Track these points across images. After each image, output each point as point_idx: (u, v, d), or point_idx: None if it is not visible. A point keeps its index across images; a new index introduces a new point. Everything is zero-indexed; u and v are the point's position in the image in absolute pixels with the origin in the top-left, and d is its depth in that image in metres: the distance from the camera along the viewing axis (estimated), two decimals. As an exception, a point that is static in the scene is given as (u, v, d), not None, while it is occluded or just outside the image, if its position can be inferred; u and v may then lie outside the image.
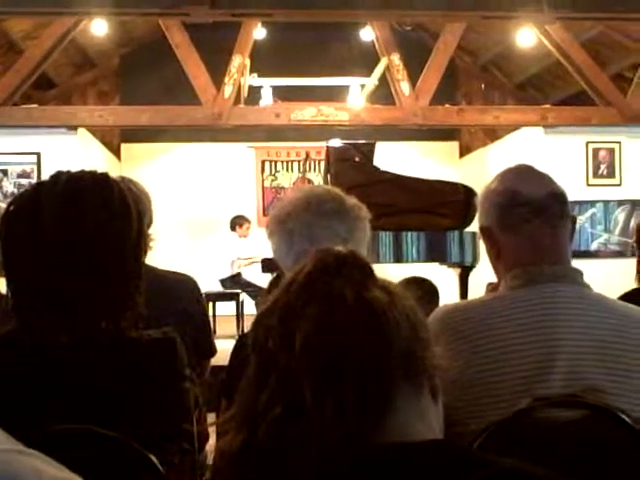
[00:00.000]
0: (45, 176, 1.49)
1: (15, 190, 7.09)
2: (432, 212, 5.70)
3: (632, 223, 7.45)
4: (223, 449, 0.92)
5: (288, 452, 0.86)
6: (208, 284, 7.00)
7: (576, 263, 1.60)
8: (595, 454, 1.37)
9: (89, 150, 7.93)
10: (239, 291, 8.08)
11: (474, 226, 5.17)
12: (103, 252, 1.40)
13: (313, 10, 6.30)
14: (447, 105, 8.06)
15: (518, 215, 1.60)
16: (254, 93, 8.02)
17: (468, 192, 5.64)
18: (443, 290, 4.32)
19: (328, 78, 8.25)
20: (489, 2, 6.25)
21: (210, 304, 7.32)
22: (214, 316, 7.49)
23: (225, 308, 7.95)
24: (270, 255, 1.84)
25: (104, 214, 1.42)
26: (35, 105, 7.99)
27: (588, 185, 7.74)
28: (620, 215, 7.77)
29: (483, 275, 3.22)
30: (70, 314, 1.38)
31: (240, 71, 7.43)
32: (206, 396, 2.39)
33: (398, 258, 5.48)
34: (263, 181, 10.17)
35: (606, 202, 7.75)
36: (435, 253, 5.58)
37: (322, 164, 7.65)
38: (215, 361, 2.62)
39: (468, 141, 10.33)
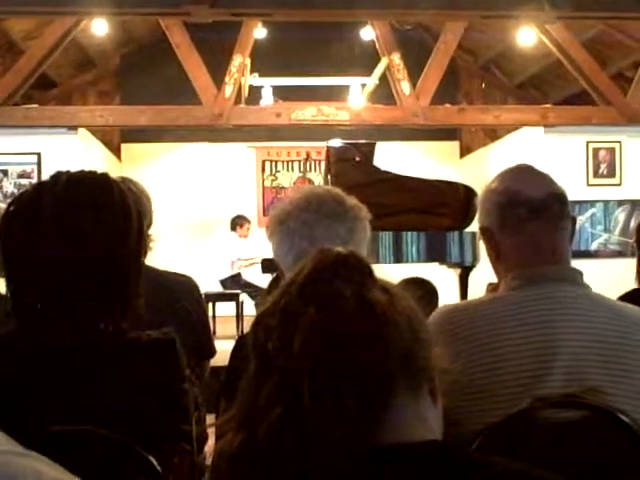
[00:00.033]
0: (45, 176, 1.49)
1: (15, 190, 7.09)
2: (432, 212, 5.70)
3: (632, 223, 7.44)
4: (222, 449, 0.91)
5: (287, 453, 0.86)
6: (208, 284, 7.00)
7: (576, 263, 1.60)
8: (595, 455, 1.37)
9: (89, 150, 7.93)
10: (239, 292, 8.08)
11: (474, 226, 5.17)
12: (103, 253, 1.40)
13: (313, 10, 6.30)
14: (447, 105, 8.06)
15: (518, 215, 1.60)
16: (255, 93, 8.02)
17: (468, 192, 5.64)
18: (443, 290, 4.32)
19: (329, 78, 8.25)
20: (490, 1, 6.26)
21: (210, 304, 7.32)
22: (214, 317, 7.50)
23: (225, 309, 7.95)
24: (270, 255, 1.84)
25: (104, 215, 1.42)
26: (35, 105, 7.99)
27: (588, 185, 7.74)
28: (620, 215, 7.77)
29: (483, 275, 3.22)
30: (70, 315, 1.38)
31: (240, 71, 7.43)
32: (205, 397, 2.40)
33: (398, 258, 5.48)
34: (263, 181, 10.17)
35: (606, 202, 7.75)
36: (435, 253, 5.58)
37: (322, 164, 7.65)
38: (215, 362, 2.62)
39: (468, 141, 10.33)
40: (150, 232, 2.33)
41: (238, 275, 8.41)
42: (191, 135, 9.13)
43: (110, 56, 9.86)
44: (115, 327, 1.41)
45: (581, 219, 7.42)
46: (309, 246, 1.67)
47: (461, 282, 5.63)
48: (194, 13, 6.04)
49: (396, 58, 7.53)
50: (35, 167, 7.32)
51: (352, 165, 5.89)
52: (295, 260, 1.68)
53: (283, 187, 10.07)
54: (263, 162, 10.15)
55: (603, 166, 7.76)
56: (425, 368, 0.93)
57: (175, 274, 2.54)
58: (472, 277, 5.60)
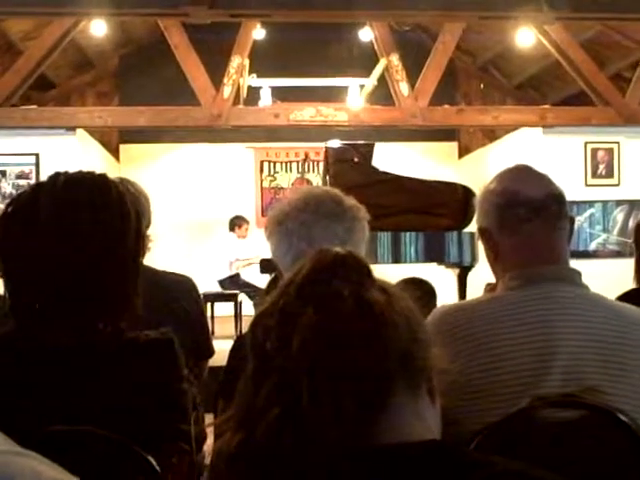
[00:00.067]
0: (44, 177, 1.49)
1: (14, 191, 7.08)
2: (431, 212, 5.71)
3: (631, 223, 7.45)
4: (221, 449, 0.91)
5: (285, 453, 0.86)
6: (206, 285, 7.01)
7: (574, 263, 1.60)
8: (593, 454, 1.37)
9: (88, 151, 7.92)
10: (237, 292, 8.08)
11: (473, 226, 5.17)
12: (101, 253, 1.40)
13: (312, 10, 6.31)
14: (446, 105, 8.06)
15: (517, 215, 1.60)
16: (253, 94, 8.02)
17: (467, 192, 5.64)
18: (442, 291, 4.32)
19: (327, 78, 8.25)
20: (488, 2, 6.26)
21: (208, 305, 7.33)
22: (212, 317, 7.51)
23: (223, 309, 7.95)
24: (269, 256, 1.84)
25: (102, 215, 1.42)
26: (34, 106, 7.99)
27: (587, 185, 7.74)
28: (619, 215, 7.77)
29: (482, 275, 3.22)
30: (68, 315, 1.38)
31: (239, 72, 7.43)
32: (204, 397, 2.39)
33: (397, 258, 5.48)
34: (262, 182, 10.17)
35: (605, 202, 7.75)
36: (433, 253, 5.59)
37: (321, 165, 7.65)
38: (213, 362, 2.62)
39: (467, 141, 10.34)
40: (149, 232, 2.33)
41: (237, 275, 8.41)
42: (190, 136, 9.13)
43: (109, 57, 9.86)
44: (113, 327, 1.41)
45: (579, 219, 7.43)
46: (307, 246, 1.67)
47: (459, 282, 5.63)
48: (193, 14, 6.04)
49: (395, 59, 7.54)
50: (33, 168, 7.32)
51: (351, 166, 5.89)
52: (293, 260, 1.68)
53: (282, 188, 10.07)
54: (261, 163, 10.16)
55: (601, 166, 7.77)
56: (423, 368, 0.93)
57: (173, 274, 2.54)
58: (470, 277, 5.60)
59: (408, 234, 5.51)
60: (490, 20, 7.05)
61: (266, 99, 7.86)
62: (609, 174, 7.76)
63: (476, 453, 1.18)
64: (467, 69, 10.36)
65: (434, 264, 5.77)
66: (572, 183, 7.06)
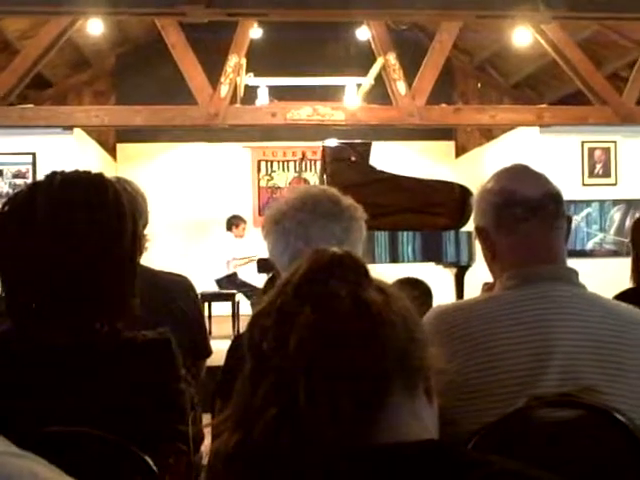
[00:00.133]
0: (40, 176, 1.49)
1: (10, 190, 7.08)
2: (428, 212, 5.71)
3: (627, 223, 7.46)
4: (218, 449, 0.91)
5: (283, 452, 0.86)
6: (204, 284, 7.01)
7: (571, 262, 1.60)
8: (590, 454, 1.38)
9: (85, 150, 7.92)
10: (235, 291, 8.08)
11: (470, 226, 5.18)
12: (98, 253, 1.40)
13: (309, 10, 6.31)
14: (443, 105, 8.06)
15: (514, 215, 1.60)
16: (250, 93, 8.01)
17: (464, 191, 5.65)
18: (439, 290, 4.32)
19: (324, 78, 8.25)
20: (485, 1, 6.26)
21: (206, 304, 7.32)
22: (210, 316, 7.51)
23: (221, 308, 7.95)
24: (266, 255, 1.84)
25: (98, 215, 1.41)
26: (31, 105, 7.98)
27: (584, 185, 7.75)
28: (615, 215, 7.78)
29: (479, 275, 3.22)
30: (65, 315, 1.38)
31: (236, 71, 7.43)
32: (201, 397, 2.39)
33: (394, 258, 5.49)
34: (259, 181, 10.17)
35: (602, 202, 7.76)
36: (431, 253, 5.59)
37: (318, 164, 7.66)
38: (211, 362, 2.62)
39: (464, 141, 10.34)
40: (145, 232, 2.32)
41: (234, 275, 8.41)
42: (187, 135, 9.12)
43: (105, 56, 9.85)
44: (110, 327, 1.40)
45: (577, 219, 7.44)
46: (304, 246, 1.67)
47: (457, 282, 5.64)
48: (190, 13, 6.04)
49: (392, 58, 7.54)
50: (30, 167, 7.32)
51: (348, 165, 5.89)
52: (291, 260, 1.68)
53: (279, 187, 10.07)
54: (259, 162, 10.15)
55: (598, 166, 7.78)
56: (421, 368, 0.93)
57: (171, 274, 2.54)
58: (468, 277, 5.61)
59: (405, 233, 5.52)
60: (487, 19, 7.05)
61: (263, 98, 7.86)
62: (606, 173, 7.77)
63: (473, 453, 1.18)
64: (464, 68, 10.37)
65: (431, 263, 5.77)
66: (569, 182, 7.07)
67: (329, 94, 8.13)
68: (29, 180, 6.97)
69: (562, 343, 1.46)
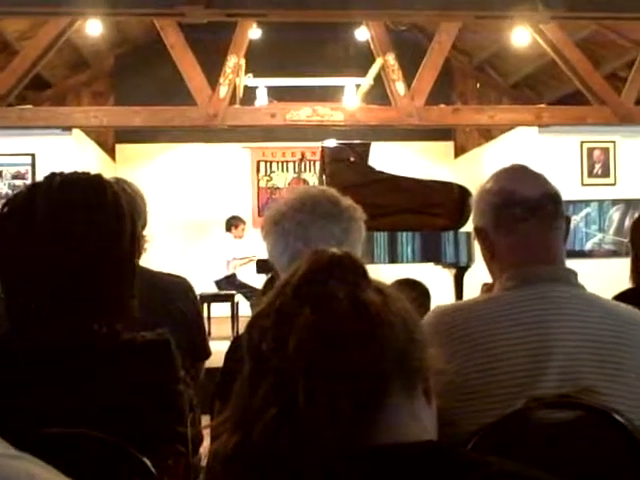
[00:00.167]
0: (40, 177, 1.49)
1: (9, 191, 7.08)
2: (427, 212, 5.71)
3: (626, 223, 7.46)
4: (217, 451, 0.91)
5: (282, 453, 0.86)
6: (203, 285, 7.01)
7: (570, 263, 1.60)
8: (589, 455, 1.37)
9: (84, 151, 7.92)
10: (234, 292, 8.08)
11: (469, 226, 5.18)
12: (96, 254, 1.40)
13: (308, 10, 6.31)
14: (442, 105, 8.07)
15: (513, 215, 1.60)
16: (249, 93, 8.02)
17: (463, 192, 5.64)
18: (438, 291, 4.32)
19: (323, 78, 8.26)
20: (484, 2, 6.27)
21: (205, 305, 7.32)
22: (209, 317, 7.51)
23: (220, 309, 7.95)
24: (265, 256, 1.84)
25: (97, 216, 1.41)
26: (29, 106, 7.98)
27: (583, 185, 7.75)
28: (614, 215, 7.79)
29: (478, 275, 3.22)
30: (64, 316, 1.38)
31: (235, 71, 7.43)
32: (200, 398, 2.39)
33: (393, 258, 5.48)
34: (258, 181, 10.17)
35: (600, 202, 7.77)
36: (430, 253, 5.59)
37: (317, 164, 7.65)
38: (210, 363, 2.62)
39: (463, 141, 10.35)
40: (145, 233, 2.32)
41: (233, 276, 8.41)
42: (186, 136, 9.12)
43: (104, 57, 9.85)
44: (109, 328, 1.40)
45: (575, 219, 7.44)
46: (304, 247, 1.67)
47: (456, 282, 5.63)
48: (189, 14, 6.04)
49: (391, 58, 7.54)
50: (29, 168, 7.32)
51: (347, 165, 5.89)
52: (290, 261, 1.68)
53: (278, 188, 10.07)
54: (258, 163, 10.15)
55: (597, 166, 7.78)
56: (420, 369, 0.93)
57: (170, 275, 2.53)
58: (467, 277, 5.60)
59: (404, 234, 5.52)
60: (486, 19, 7.06)
61: (262, 99, 7.86)
62: (605, 173, 7.78)
63: (472, 453, 1.18)
64: (463, 68, 10.37)
65: (431, 264, 5.77)
66: (568, 182, 7.07)
67: (328, 95, 8.13)
68: (28, 181, 6.97)
69: (561, 344, 1.46)
